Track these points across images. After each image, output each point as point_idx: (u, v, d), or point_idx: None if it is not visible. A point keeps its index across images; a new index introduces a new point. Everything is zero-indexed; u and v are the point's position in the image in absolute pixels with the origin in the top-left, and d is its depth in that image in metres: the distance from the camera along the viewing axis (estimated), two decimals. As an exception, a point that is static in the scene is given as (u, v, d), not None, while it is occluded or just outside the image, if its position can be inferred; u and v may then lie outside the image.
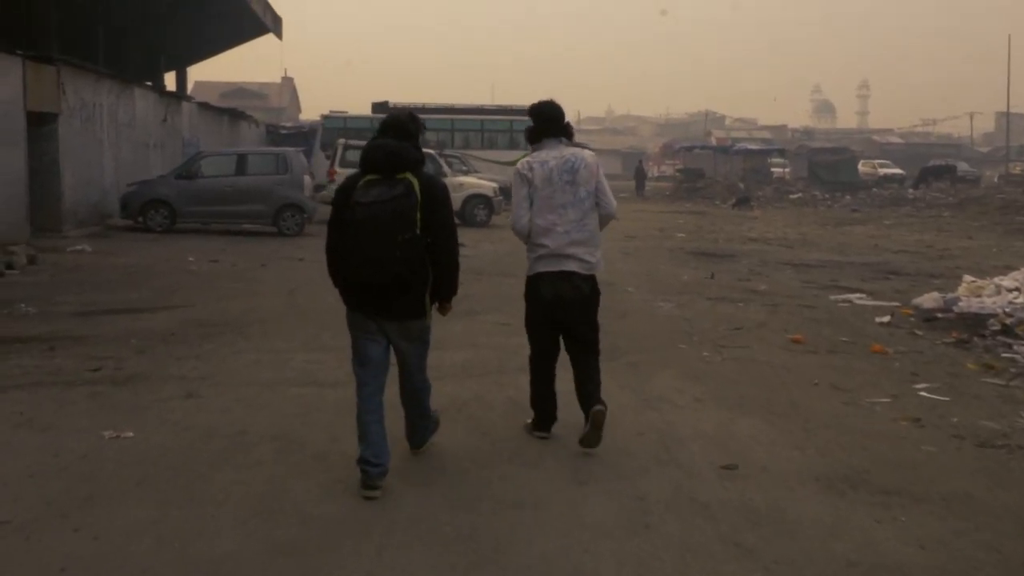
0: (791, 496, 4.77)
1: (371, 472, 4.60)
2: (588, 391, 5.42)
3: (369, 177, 4.57)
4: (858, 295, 12.13)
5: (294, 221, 19.21)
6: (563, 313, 5.42)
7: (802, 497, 4.77)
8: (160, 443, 5.27)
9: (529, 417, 5.79)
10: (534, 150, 5.50)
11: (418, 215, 4.53)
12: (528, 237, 5.41)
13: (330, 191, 23.00)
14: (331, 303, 10.91)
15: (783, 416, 6.27)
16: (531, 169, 5.37)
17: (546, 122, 5.48)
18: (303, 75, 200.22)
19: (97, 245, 16.07)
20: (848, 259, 17.46)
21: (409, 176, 4.57)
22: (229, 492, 4.55)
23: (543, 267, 5.38)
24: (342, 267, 4.66)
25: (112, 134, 20.62)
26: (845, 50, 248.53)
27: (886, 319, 10.21)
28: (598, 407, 5.30)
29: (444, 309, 4.95)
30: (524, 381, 5.90)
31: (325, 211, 20.65)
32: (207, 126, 29.92)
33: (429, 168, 20.74)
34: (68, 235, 17.15)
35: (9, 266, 12.56)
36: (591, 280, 5.44)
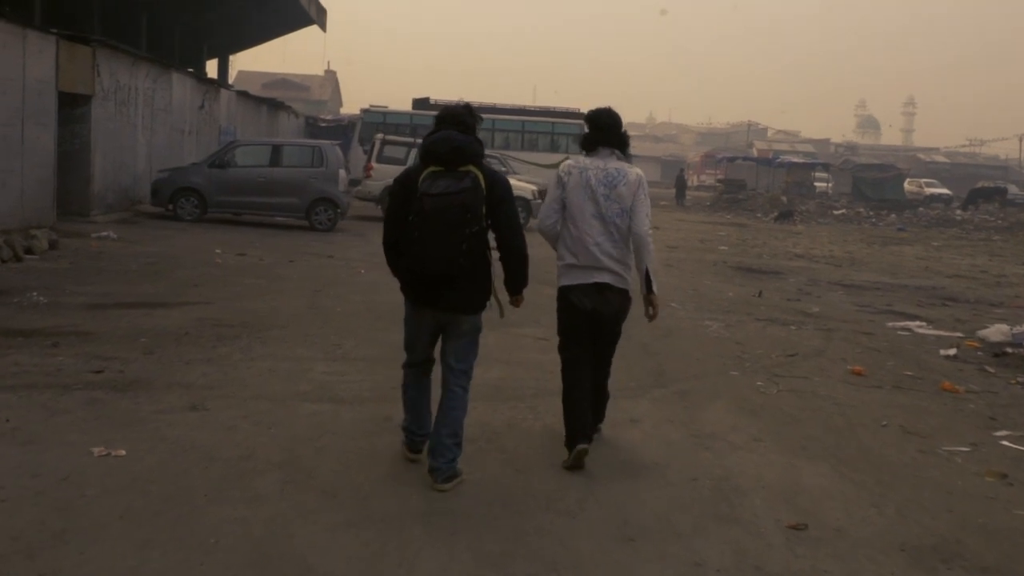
0: (874, 570, 4.08)
1: (415, 439, 4.90)
2: (587, 423, 5.23)
3: (433, 169, 4.53)
4: (917, 323, 11.35)
5: (327, 216, 18.70)
6: (593, 325, 5.28)
7: (888, 572, 4.08)
8: (153, 465, 4.68)
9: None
10: (585, 156, 5.36)
11: (483, 209, 4.54)
12: (554, 242, 5.33)
13: (366, 187, 22.54)
14: (357, 306, 10.57)
15: (853, 464, 5.57)
16: (569, 174, 5.27)
17: (601, 130, 5.34)
18: (346, 70, 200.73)
19: (123, 232, 15.61)
20: (900, 282, 16.64)
21: (474, 169, 4.54)
22: (222, 534, 3.93)
23: (573, 279, 5.24)
24: (404, 258, 4.62)
25: (147, 118, 20.20)
26: (892, 66, 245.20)
27: (951, 352, 9.45)
28: (583, 446, 5.07)
29: (517, 302, 4.99)
30: (555, 412, 5.44)
31: (359, 207, 20.20)
32: (245, 115, 29.53)
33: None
34: (95, 220, 16.72)
35: (29, 251, 12.11)
36: (623, 293, 5.27)
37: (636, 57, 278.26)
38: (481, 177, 4.57)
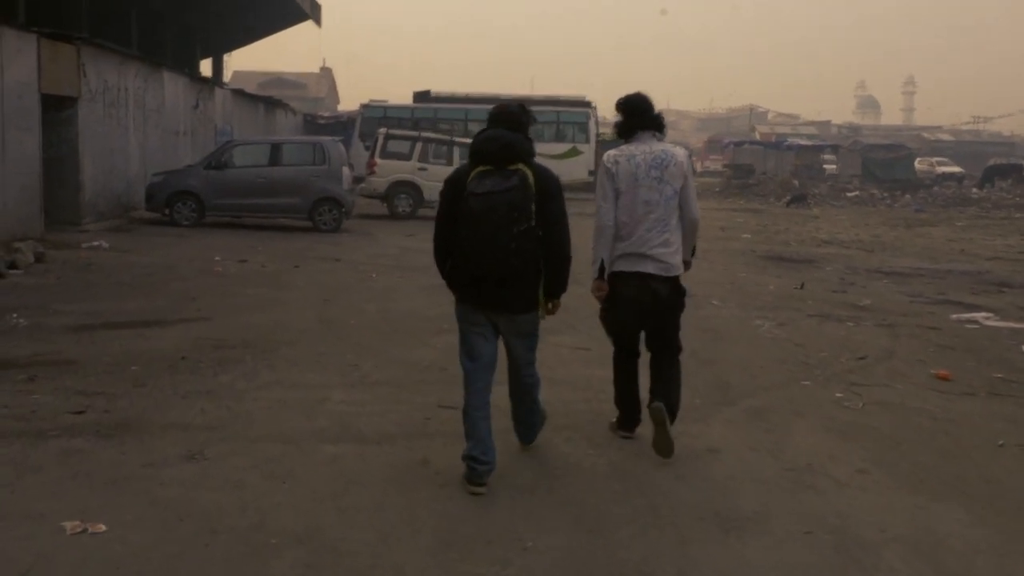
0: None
1: (479, 470, 4.48)
2: (657, 389, 5.10)
3: (481, 168, 4.46)
4: (983, 314, 10.39)
5: (331, 216, 17.73)
6: (642, 316, 5.17)
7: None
8: (139, 546, 3.71)
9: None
10: (625, 144, 5.22)
11: (532, 207, 4.41)
12: (611, 241, 5.11)
13: (370, 184, 21.56)
14: (371, 317, 9.57)
15: (987, 503, 4.62)
16: (616, 163, 5.13)
17: (636, 115, 5.21)
18: (345, 68, 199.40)
19: (116, 241, 14.65)
20: (942, 267, 15.68)
21: (523, 167, 4.44)
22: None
23: (621, 266, 5.11)
24: (454, 259, 4.54)
25: (138, 120, 19.22)
26: (890, 46, 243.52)
27: (1038, 348, 8.50)
28: (656, 403, 4.96)
29: (554, 308, 4.71)
30: (620, 445, 5.08)
31: (363, 205, 19.27)
32: (242, 114, 28.53)
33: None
34: (87, 229, 15.75)
35: (12, 265, 11.15)
36: (671, 282, 5.12)
37: (633, 44, 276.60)
38: (530, 175, 4.45)
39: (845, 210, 33.93)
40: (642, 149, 5.12)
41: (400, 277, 11.77)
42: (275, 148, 18.38)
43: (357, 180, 20.53)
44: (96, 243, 13.96)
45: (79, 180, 16.13)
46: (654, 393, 5.07)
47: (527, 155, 4.49)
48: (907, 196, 40.09)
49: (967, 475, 5.02)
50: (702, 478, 4.78)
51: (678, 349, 5.31)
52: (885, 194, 40.95)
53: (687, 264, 5.27)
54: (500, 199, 4.34)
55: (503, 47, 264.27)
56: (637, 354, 5.36)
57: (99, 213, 16.93)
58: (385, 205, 21.62)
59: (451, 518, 4.12)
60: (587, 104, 33.73)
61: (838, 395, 6.60)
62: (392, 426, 5.43)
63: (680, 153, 5.17)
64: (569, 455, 5.06)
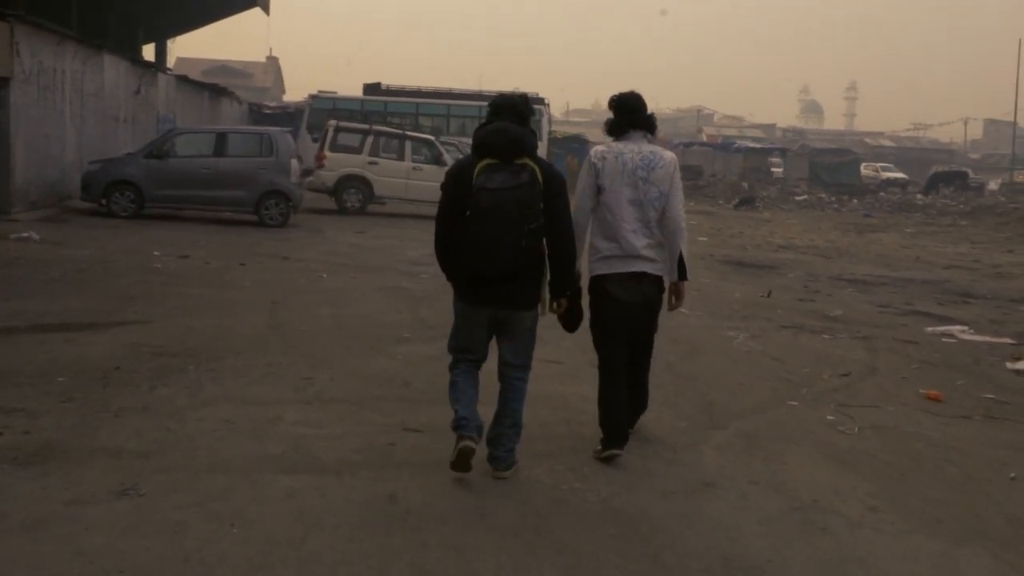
0: None
1: (469, 425, 4.46)
2: (634, 406, 5.19)
3: (488, 162, 4.32)
4: (958, 327, 10.11)
5: (278, 211, 16.94)
6: (631, 318, 5.05)
7: None
8: (59, 612, 3.12)
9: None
10: (615, 141, 5.11)
11: (541, 205, 4.34)
12: (583, 233, 4.97)
13: (319, 177, 20.79)
14: (325, 322, 8.88)
15: (1013, 547, 4.21)
16: (603, 159, 5.01)
17: (628, 114, 5.10)
18: (288, 56, 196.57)
19: (48, 232, 13.77)
20: (901, 275, 15.53)
21: (530, 162, 4.34)
22: None
23: (609, 268, 4.99)
24: (459, 256, 4.39)
25: (76, 104, 18.25)
26: (834, 52, 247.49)
27: (1021, 366, 8.18)
28: (615, 451, 4.91)
29: (560, 306, 4.63)
30: (608, 477, 4.64)
31: (312, 199, 18.49)
32: (185, 101, 27.50)
33: (427, 154, 18.18)
34: (16, 219, 14.81)
35: (-69, 258, 10.31)
36: (659, 281, 5.05)
37: (580, 43, 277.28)
38: (538, 171, 4.35)
39: (795, 214, 33.98)
40: (631, 148, 5.02)
41: (353, 277, 11.15)
42: (220, 138, 17.53)
43: (306, 173, 19.77)
44: (26, 234, 13.07)
45: (9, 166, 15.19)
46: (621, 431, 5.01)
47: (533, 149, 4.41)
48: (854, 201, 40.42)
49: (985, 514, 4.61)
50: (703, 518, 4.30)
51: (648, 366, 5.35)
52: (833, 198, 41.24)
53: (683, 270, 5.06)
54: (511, 196, 4.22)
55: (450, 42, 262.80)
56: (628, 360, 5.14)
57: (31, 202, 16.00)
58: (334, 200, 20.88)
59: (429, 571, 3.57)
60: (540, 101, 33.26)
61: (830, 418, 6.18)
62: (353, 452, 4.86)
63: (668, 155, 5.06)
64: (554, 490, 4.54)
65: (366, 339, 7.74)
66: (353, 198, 20.73)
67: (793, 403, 6.56)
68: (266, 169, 16.82)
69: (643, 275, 4.97)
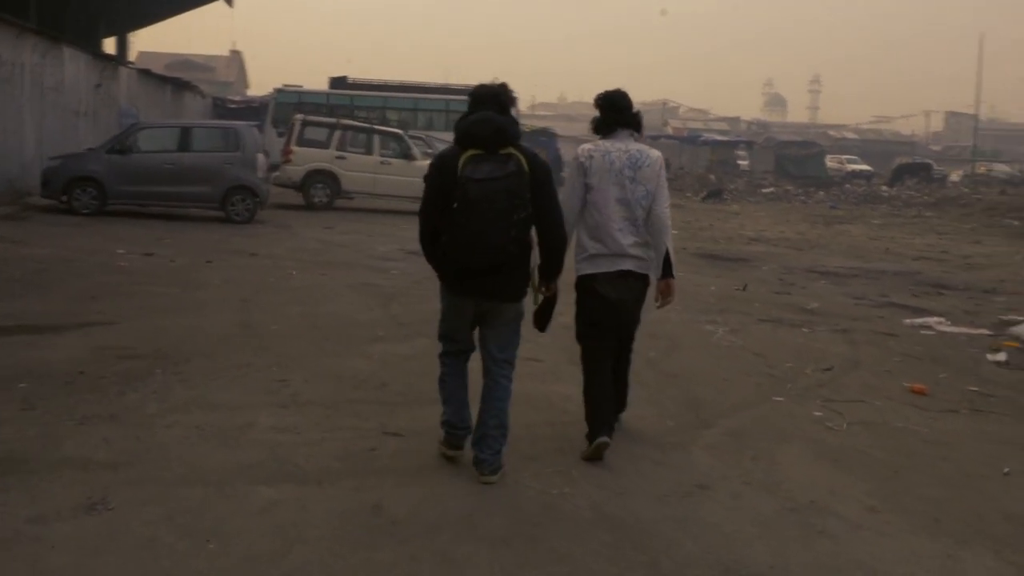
0: None
1: (458, 434, 4.58)
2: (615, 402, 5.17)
3: (473, 152, 4.24)
4: (935, 319, 10.09)
5: (244, 206, 16.61)
6: (618, 314, 5.02)
7: None
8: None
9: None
10: (601, 139, 5.11)
11: (528, 194, 4.28)
12: (570, 231, 4.87)
13: (286, 172, 20.45)
14: (296, 321, 8.61)
15: (1014, 545, 4.11)
16: (590, 157, 5.00)
17: (614, 112, 5.09)
18: (251, 50, 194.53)
19: (7, 230, 13.36)
20: (873, 267, 15.55)
21: (515, 152, 4.29)
22: None
23: (596, 268, 4.97)
24: (446, 249, 4.31)
25: (35, 98, 17.81)
26: (797, 45, 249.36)
27: (1001, 357, 8.15)
28: (604, 439, 4.81)
29: (550, 290, 4.66)
30: (598, 481, 4.45)
31: (278, 194, 18.15)
32: (148, 96, 27.02)
33: (396, 148, 17.89)
34: (-26, 217, 14.43)
35: None
36: (645, 279, 5.04)
37: (545, 37, 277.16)
38: (524, 160, 4.29)
39: (763, 206, 34.10)
40: (618, 147, 5.01)
41: (322, 275, 10.90)
42: (185, 132, 17.14)
43: (272, 168, 19.43)
44: (-17, 233, 12.70)
45: (-35, 163, 14.78)
46: (607, 421, 4.94)
47: (517, 139, 4.36)
48: (821, 193, 40.67)
49: (983, 511, 4.51)
50: (699, 523, 4.15)
51: (630, 361, 5.38)
52: (799, 191, 41.47)
53: (669, 266, 5.05)
54: (498, 186, 4.16)
55: (415, 35, 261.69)
56: (612, 354, 5.13)
57: (-12, 199, 15.58)
58: (301, 195, 20.55)
59: (418, 587, 3.40)
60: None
61: (817, 414, 6.07)
62: (333, 459, 4.66)
63: (655, 154, 5.05)
64: (543, 495, 4.37)
65: (339, 338, 7.52)
66: (320, 193, 20.41)
67: (779, 399, 6.45)
68: (232, 164, 16.48)
69: (629, 273, 4.96)
